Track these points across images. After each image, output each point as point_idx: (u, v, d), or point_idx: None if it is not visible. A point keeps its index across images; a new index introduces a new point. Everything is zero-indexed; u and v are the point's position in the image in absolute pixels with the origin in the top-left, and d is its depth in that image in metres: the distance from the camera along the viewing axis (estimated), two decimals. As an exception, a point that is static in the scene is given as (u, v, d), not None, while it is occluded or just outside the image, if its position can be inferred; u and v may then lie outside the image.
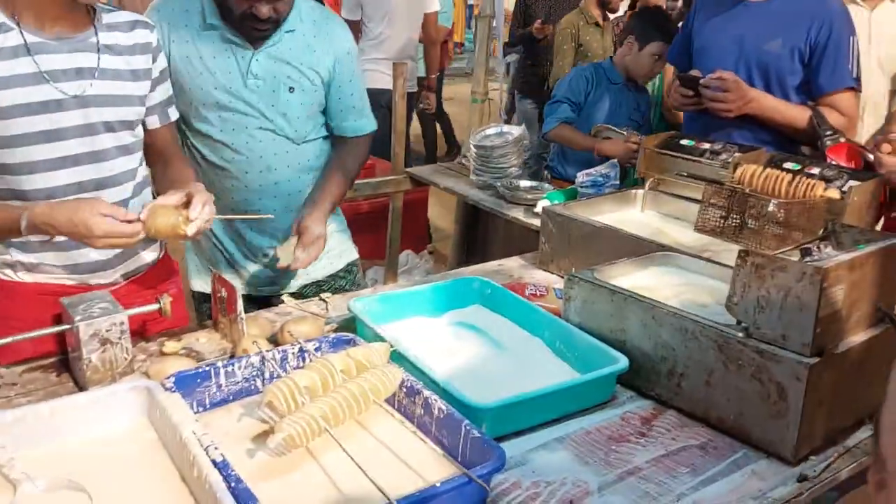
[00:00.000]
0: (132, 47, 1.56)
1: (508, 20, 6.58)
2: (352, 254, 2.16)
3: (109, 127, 1.51)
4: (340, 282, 2.10)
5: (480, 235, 3.25)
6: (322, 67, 1.89)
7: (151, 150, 1.67)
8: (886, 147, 1.78)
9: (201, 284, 2.04)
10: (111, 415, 1.19)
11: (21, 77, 1.41)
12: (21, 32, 1.41)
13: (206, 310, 1.97)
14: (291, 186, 1.95)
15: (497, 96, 6.66)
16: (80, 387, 1.35)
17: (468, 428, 1.14)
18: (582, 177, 2.41)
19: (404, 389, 1.26)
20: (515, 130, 2.84)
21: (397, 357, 1.33)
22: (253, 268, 2.02)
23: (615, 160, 2.41)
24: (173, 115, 1.70)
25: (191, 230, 1.42)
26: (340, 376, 1.23)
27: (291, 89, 1.86)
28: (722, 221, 1.75)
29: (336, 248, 2.03)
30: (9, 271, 1.55)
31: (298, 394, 1.18)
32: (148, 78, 1.59)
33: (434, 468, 1.13)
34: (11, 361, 1.44)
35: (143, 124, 1.62)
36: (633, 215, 2.10)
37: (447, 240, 3.89)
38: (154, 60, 1.60)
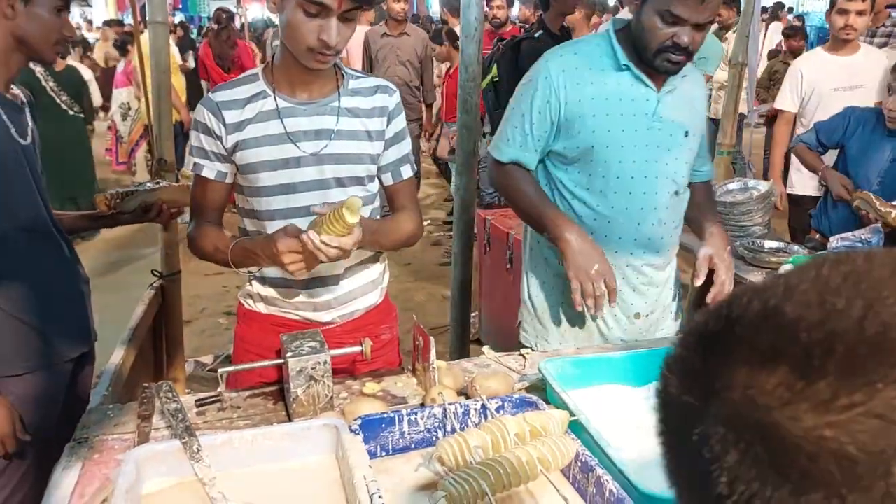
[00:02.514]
0: (371, 110, 1.68)
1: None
2: None
3: (340, 182, 1.66)
4: None
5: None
6: (699, 114, 1.89)
7: (388, 202, 1.80)
8: None
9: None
10: (303, 448, 1.29)
11: (270, 137, 1.61)
12: (275, 98, 1.62)
13: None
14: (662, 244, 1.88)
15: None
16: (289, 417, 1.48)
17: (637, 517, 1.05)
18: (836, 241, 2.14)
19: (579, 464, 1.21)
20: (762, 186, 2.60)
21: (577, 427, 1.28)
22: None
23: (877, 225, 2.10)
24: (406, 173, 1.77)
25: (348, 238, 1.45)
26: (513, 440, 1.21)
27: (686, 133, 1.83)
28: None
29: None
30: (249, 300, 1.78)
31: (468, 452, 1.19)
32: (381, 139, 1.70)
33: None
34: (244, 386, 1.64)
35: (380, 180, 1.75)
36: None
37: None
38: (388, 123, 1.70)
